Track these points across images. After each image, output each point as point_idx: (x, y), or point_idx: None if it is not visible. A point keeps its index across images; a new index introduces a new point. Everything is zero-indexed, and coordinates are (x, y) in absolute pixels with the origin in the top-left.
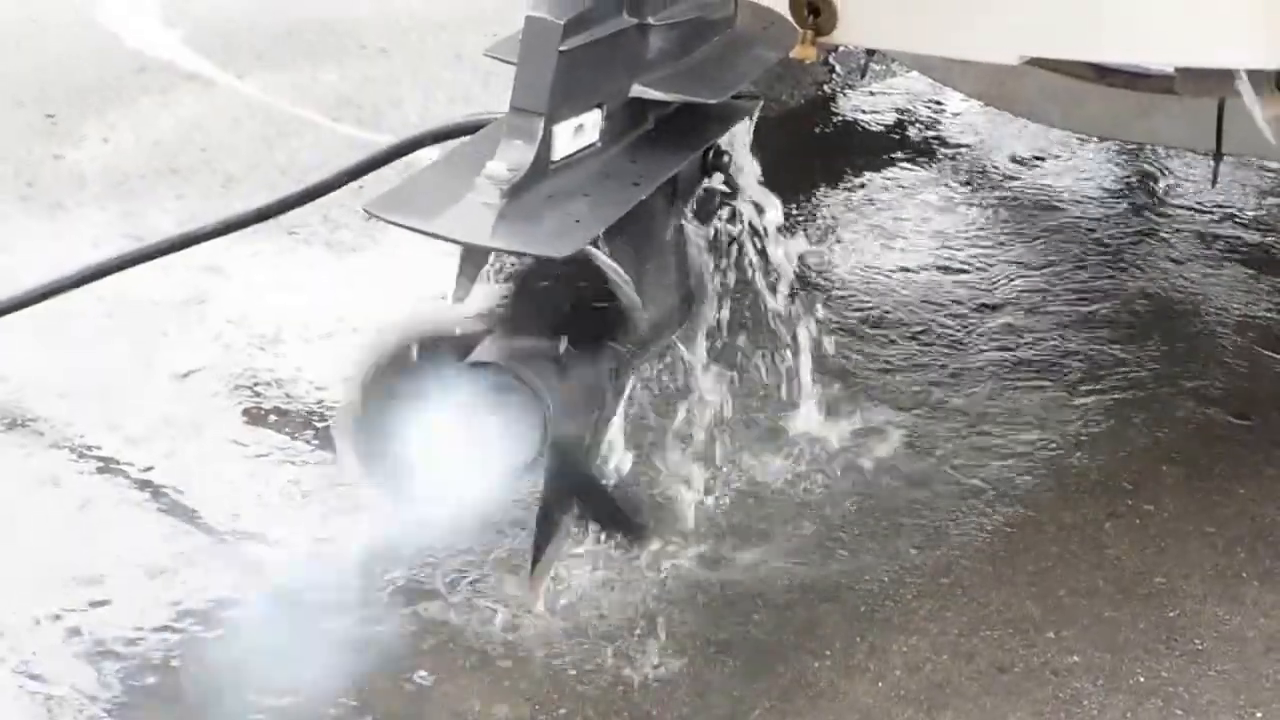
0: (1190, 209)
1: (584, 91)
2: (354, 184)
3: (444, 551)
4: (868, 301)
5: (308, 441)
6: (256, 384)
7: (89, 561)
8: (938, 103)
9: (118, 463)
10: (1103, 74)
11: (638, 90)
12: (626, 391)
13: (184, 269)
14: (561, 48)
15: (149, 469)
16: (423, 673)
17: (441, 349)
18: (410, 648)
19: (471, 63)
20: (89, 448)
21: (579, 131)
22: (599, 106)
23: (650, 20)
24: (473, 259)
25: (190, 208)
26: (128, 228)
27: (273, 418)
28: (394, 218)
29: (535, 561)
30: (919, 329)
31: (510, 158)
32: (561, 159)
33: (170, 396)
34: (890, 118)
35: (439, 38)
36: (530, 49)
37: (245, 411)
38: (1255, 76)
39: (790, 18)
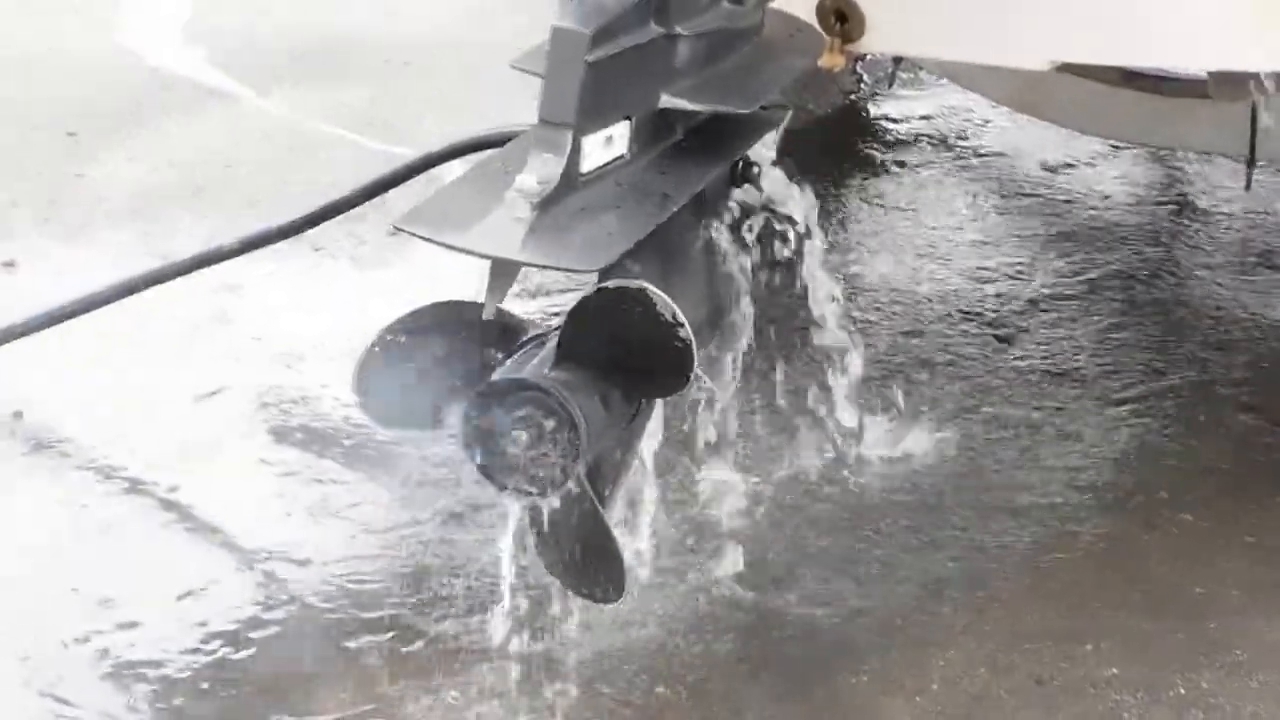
0: (1223, 215)
1: (612, 103)
2: (377, 199)
3: (474, 568)
4: (899, 311)
5: (335, 460)
6: (282, 402)
7: (115, 583)
8: (967, 109)
9: (143, 483)
10: (1133, 79)
11: (667, 101)
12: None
13: (207, 287)
14: (589, 59)
15: (174, 489)
16: (454, 693)
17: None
18: (441, 667)
19: (493, 76)
20: (114, 469)
21: (608, 143)
22: (627, 118)
23: (678, 30)
24: (503, 274)
25: (213, 226)
26: (150, 247)
27: (299, 436)
28: (423, 233)
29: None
30: (951, 338)
31: (539, 171)
32: (591, 171)
33: (195, 416)
34: (919, 125)
35: (460, 52)
36: (557, 60)
37: (271, 430)
38: None
39: (817, 26)
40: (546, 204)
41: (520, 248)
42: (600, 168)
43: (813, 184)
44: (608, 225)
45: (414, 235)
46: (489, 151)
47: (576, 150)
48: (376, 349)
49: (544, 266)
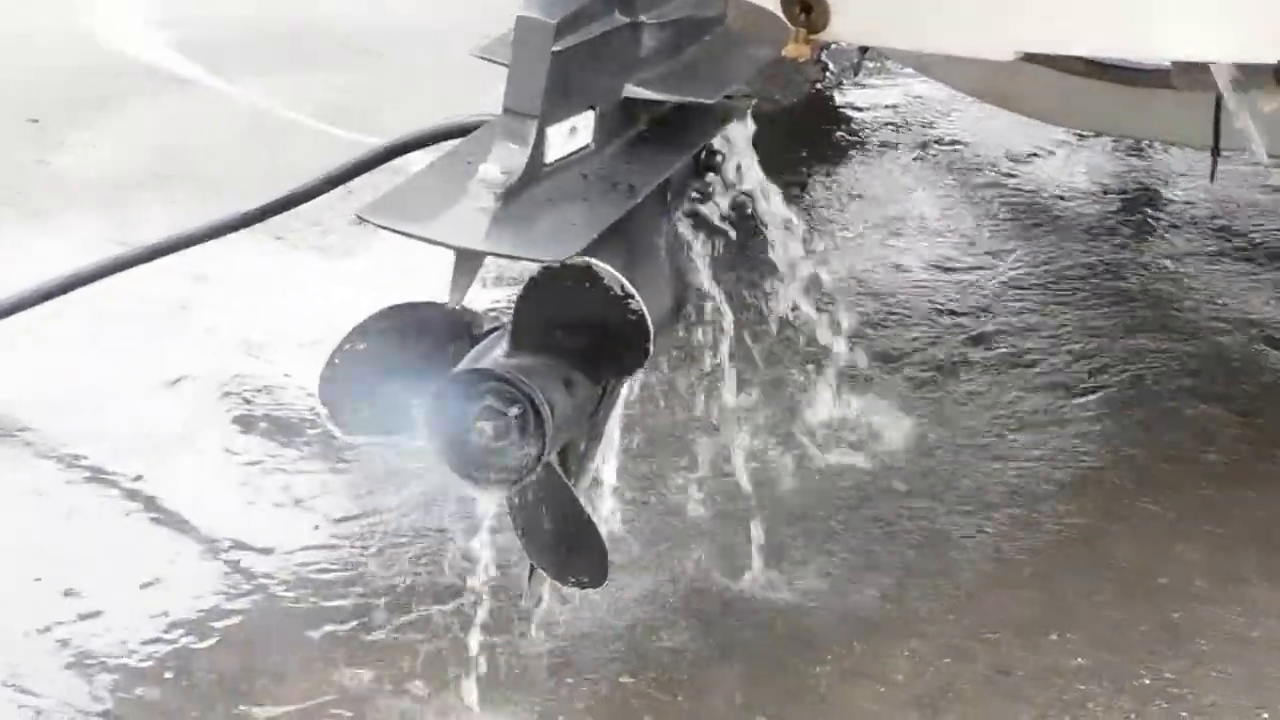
0: (1187, 204)
1: (577, 93)
2: (342, 188)
3: (438, 558)
4: (864, 300)
5: (298, 449)
6: (246, 391)
7: (78, 572)
8: (933, 99)
9: (106, 472)
10: (1098, 69)
11: (631, 91)
12: (620, 401)
13: (171, 275)
14: (554, 48)
15: (138, 478)
16: (418, 682)
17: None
18: (406, 656)
19: (461, 65)
20: (76, 457)
21: (572, 133)
22: (592, 108)
23: (643, 19)
24: (467, 263)
25: (178, 213)
26: (114, 234)
27: (263, 425)
28: (388, 223)
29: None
30: (916, 327)
31: (504, 161)
32: (555, 161)
33: (158, 404)
34: (884, 114)
35: (428, 41)
36: (522, 50)
37: (235, 419)
38: (1251, 70)
39: (782, 15)
40: (511, 194)
41: (484, 238)
42: (565, 157)
43: (778, 173)
44: (572, 215)
45: (377, 225)
46: (455, 141)
47: (541, 140)
48: (337, 361)
49: (508, 256)
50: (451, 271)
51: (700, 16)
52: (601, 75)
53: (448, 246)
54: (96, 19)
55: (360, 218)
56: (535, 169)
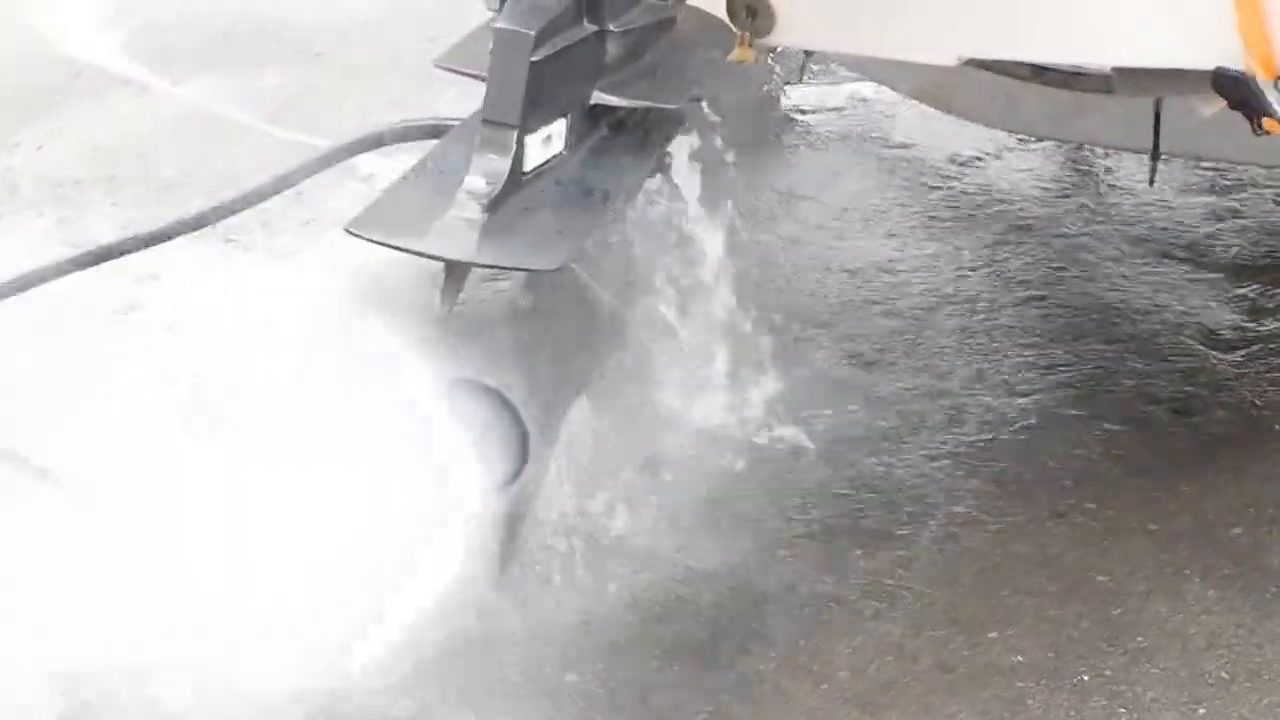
0: (1128, 208)
1: (551, 101)
2: (291, 190)
3: (389, 557)
4: (807, 303)
5: (246, 453)
6: (195, 393)
7: (24, 580)
8: (878, 102)
9: (51, 474)
10: (1040, 74)
11: (600, 97)
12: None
13: (120, 277)
14: (532, 59)
15: (82, 481)
16: (365, 679)
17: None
18: (353, 656)
19: (410, 66)
20: (23, 460)
21: (547, 141)
22: (564, 115)
23: (610, 27)
24: (457, 273)
25: (127, 214)
26: (64, 235)
27: (210, 428)
28: (378, 237)
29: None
30: (859, 331)
31: (487, 171)
32: (533, 170)
33: (107, 407)
34: (829, 117)
35: (377, 41)
36: (501, 61)
37: (184, 420)
38: (1191, 76)
39: (728, 20)
40: (495, 204)
41: (476, 250)
42: (541, 165)
43: (722, 175)
44: (557, 223)
45: (368, 240)
46: (411, 144)
47: (521, 149)
48: None
49: (502, 268)
50: (442, 281)
51: (656, 23)
52: (573, 83)
53: (441, 259)
54: (44, 19)
55: (349, 231)
56: (516, 178)
